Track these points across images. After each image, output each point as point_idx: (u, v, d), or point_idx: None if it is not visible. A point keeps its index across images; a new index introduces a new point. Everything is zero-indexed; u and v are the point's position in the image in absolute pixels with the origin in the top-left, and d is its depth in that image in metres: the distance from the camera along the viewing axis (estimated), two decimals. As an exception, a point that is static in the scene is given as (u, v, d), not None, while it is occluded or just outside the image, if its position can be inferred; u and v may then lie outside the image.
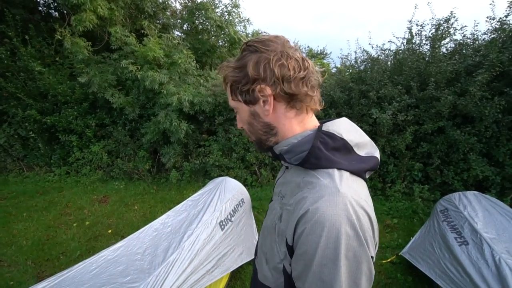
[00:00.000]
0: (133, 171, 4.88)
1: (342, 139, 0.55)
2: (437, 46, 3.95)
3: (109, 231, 3.18)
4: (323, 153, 0.53)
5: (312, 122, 0.62)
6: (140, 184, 4.70)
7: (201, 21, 6.26)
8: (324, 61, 10.12)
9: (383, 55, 4.54)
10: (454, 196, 2.38)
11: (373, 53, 4.54)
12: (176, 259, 1.50)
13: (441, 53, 3.92)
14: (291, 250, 0.52)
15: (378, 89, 3.83)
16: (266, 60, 0.54)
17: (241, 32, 6.22)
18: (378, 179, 4.04)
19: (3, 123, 5.56)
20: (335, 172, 0.51)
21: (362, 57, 4.64)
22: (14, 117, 5.33)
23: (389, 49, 4.50)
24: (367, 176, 0.59)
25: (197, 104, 4.36)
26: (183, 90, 4.36)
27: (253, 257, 0.75)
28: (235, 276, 2.24)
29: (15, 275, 2.42)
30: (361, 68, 4.56)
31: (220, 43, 7.02)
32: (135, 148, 5.07)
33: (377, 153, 0.61)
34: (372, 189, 3.98)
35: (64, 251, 2.77)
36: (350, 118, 3.63)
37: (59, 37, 4.54)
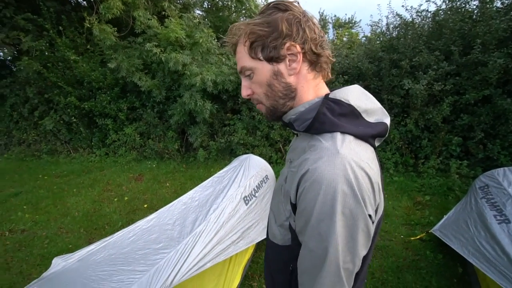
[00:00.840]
0: (163, 151, 5.17)
1: (350, 105, 0.55)
2: (489, 0, 3.43)
3: (145, 205, 3.48)
4: (327, 118, 0.54)
5: (323, 89, 0.62)
6: (171, 163, 4.98)
7: (221, -2, 6.08)
8: (353, 30, 9.38)
9: (419, 18, 4.07)
10: (498, 172, 2.18)
11: (408, 16, 4.09)
12: (203, 230, 1.60)
13: (494, 8, 3.39)
14: (294, 208, 0.54)
15: (411, 57, 3.50)
16: (297, 19, 0.55)
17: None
18: (410, 155, 3.82)
19: (50, 110, 6.14)
20: (338, 135, 0.52)
21: (395, 23, 4.22)
22: (58, 104, 5.84)
23: (427, 11, 4.02)
24: (376, 143, 0.58)
25: (220, 83, 4.38)
26: (205, 70, 4.39)
27: None
28: (260, 248, 2.34)
29: (72, 240, 2.79)
30: (393, 35, 4.16)
31: (242, 20, 6.84)
32: (164, 129, 5.32)
33: (387, 120, 0.60)
34: (403, 166, 3.80)
35: (108, 222, 3.10)
36: (380, 90, 3.40)
37: (88, 25, 4.73)
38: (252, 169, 2.51)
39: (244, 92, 0.62)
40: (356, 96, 0.58)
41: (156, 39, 4.74)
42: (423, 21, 4.04)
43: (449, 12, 3.73)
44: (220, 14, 6.67)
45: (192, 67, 4.34)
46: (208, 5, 7.20)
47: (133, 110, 5.58)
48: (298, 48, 0.55)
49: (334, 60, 0.62)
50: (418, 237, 2.39)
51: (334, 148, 0.49)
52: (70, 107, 5.68)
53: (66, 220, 3.21)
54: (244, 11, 6.38)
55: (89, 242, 2.68)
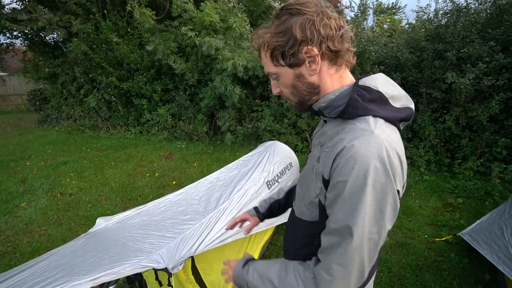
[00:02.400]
0: (193, 132, 5.40)
1: (378, 91, 0.59)
2: None
3: (174, 182, 3.72)
4: (360, 103, 0.58)
5: (348, 78, 0.65)
6: (199, 144, 5.20)
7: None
8: (396, 17, 8.68)
9: (476, 3, 3.66)
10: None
11: (462, 1, 3.69)
12: (226, 208, 1.70)
13: None
14: (327, 183, 0.58)
15: (459, 47, 3.20)
16: (311, 22, 0.56)
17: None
18: (446, 154, 3.58)
19: (93, 89, 6.66)
20: (371, 118, 0.56)
21: (445, 8, 3.84)
22: (100, 83, 6.31)
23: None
24: (401, 127, 0.61)
25: (251, 69, 4.40)
26: (237, 55, 4.42)
27: None
28: (279, 231, 2.42)
29: (109, 207, 3.12)
30: (442, 22, 3.81)
31: (276, 4, 6.67)
32: (194, 111, 5.52)
33: (412, 105, 0.63)
34: (437, 165, 3.58)
35: (141, 194, 3.39)
36: (419, 83, 3.23)
37: (130, 8, 4.97)
38: (277, 155, 2.55)
39: (274, 91, 0.68)
40: (383, 83, 0.61)
41: (191, 22, 4.85)
42: (480, 6, 3.62)
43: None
44: (256, -2, 6.58)
45: (225, 51, 4.41)
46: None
47: (167, 92, 5.85)
48: (316, 50, 0.57)
49: (354, 49, 0.63)
50: (443, 238, 2.30)
51: (369, 129, 0.54)
52: (110, 87, 6.12)
53: (105, 189, 3.57)
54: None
55: (124, 210, 2.98)
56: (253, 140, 4.92)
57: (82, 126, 6.93)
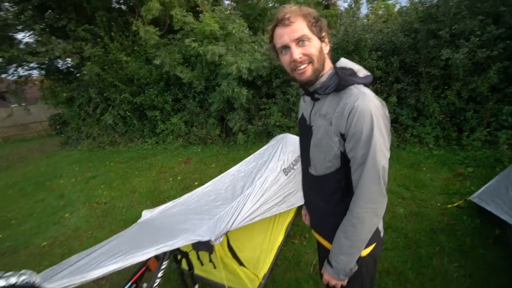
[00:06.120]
0: (206, 136, 5.68)
1: (350, 68, 0.88)
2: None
3: (196, 183, 3.98)
4: (346, 77, 0.84)
5: (329, 62, 0.90)
6: (214, 147, 5.47)
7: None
8: (390, 1, 8.74)
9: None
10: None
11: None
12: (251, 193, 1.93)
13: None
14: (343, 137, 0.82)
15: (451, 25, 3.33)
16: (322, 20, 0.85)
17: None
18: (453, 128, 3.69)
19: (108, 107, 7.07)
20: (357, 85, 0.82)
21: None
22: (114, 101, 6.70)
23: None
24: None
25: (255, 69, 4.63)
26: (240, 58, 4.67)
27: None
28: (300, 214, 2.63)
29: (142, 210, 3.38)
30: (434, 2, 3.93)
31: (270, 5, 6.90)
32: (205, 117, 5.81)
33: (369, 73, 0.89)
34: (445, 139, 3.70)
35: (168, 196, 3.67)
36: (417, 63, 3.45)
37: (135, 28, 5.32)
38: (289, 146, 2.77)
39: (296, 55, 0.81)
40: (348, 63, 0.90)
41: (192, 33, 5.14)
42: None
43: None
44: (249, 1, 6.83)
45: (228, 57, 4.66)
46: (237, -6, 7.40)
47: (177, 101, 6.17)
48: (326, 33, 0.86)
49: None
50: (455, 204, 2.44)
51: (362, 92, 0.80)
52: (124, 103, 6.50)
53: (134, 195, 3.88)
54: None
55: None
56: (264, 136, 5.14)
57: (102, 143, 7.34)
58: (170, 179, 4.32)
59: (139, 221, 1.76)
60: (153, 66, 5.82)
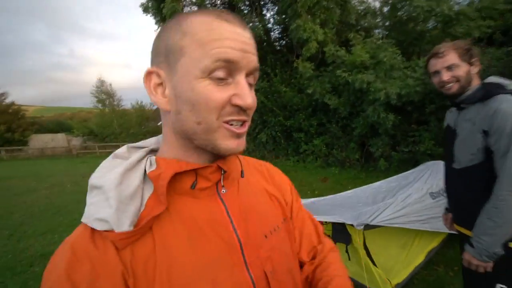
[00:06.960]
0: (345, 159, 5.94)
1: (498, 83, 1.06)
2: None
3: (332, 198, 4.33)
4: (493, 89, 1.03)
5: (477, 79, 1.11)
6: (351, 171, 5.63)
7: (405, 12, 6.17)
8: None
9: None
10: None
11: None
12: (392, 203, 2.08)
13: None
14: (486, 133, 1.00)
15: None
16: (473, 49, 1.11)
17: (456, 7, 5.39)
18: None
19: (264, 128, 8.87)
20: (502, 95, 1.00)
21: None
22: (270, 123, 8.35)
23: None
24: None
25: (405, 95, 4.54)
26: (389, 85, 4.73)
27: None
28: (447, 245, 2.38)
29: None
30: None
31: (429, 27, 6.42)
32: (346, 141, 6.11)
33: None
34: None
35: (307, 204, 4.23)
36: None
37: (296, 65, 6.60)
38: (440, 173, 2.63)
39: (445, 77, 1.08)
40: (497, 79, 1.08)
41: (343, 65, 5.73)
42: None
43: None
44: (404, 27, 6.67)
45: (376, 84, 4.85)
46: (390, 23, 7.40)
47: (321, 125, 6.87)
48: (477, 58, 1.11)
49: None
50: None
51: (506, 98, 0.97)
52: (277, 125, 7.95)
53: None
54: (434, 17, 5.98)
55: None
56: (410, 165, 4.74)
57: (255, 157, 9.14)
58: (308, 192, 4.90)
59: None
60: (305, 94, 6.87)
